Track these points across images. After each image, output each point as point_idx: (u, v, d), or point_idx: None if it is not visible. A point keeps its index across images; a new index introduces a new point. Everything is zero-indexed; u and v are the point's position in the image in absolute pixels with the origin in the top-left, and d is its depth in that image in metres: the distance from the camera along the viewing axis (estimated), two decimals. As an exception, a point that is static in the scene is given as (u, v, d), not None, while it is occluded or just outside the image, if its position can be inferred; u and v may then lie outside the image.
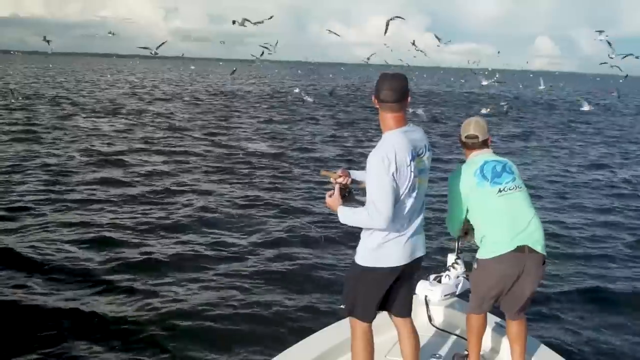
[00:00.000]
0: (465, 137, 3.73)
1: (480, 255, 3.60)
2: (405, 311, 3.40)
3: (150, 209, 10.05)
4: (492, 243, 3.52)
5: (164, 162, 14.71)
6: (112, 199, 10.64)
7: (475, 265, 3.66)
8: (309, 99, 32.05)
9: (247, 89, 50.54)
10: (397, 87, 3.11)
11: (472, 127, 3.72)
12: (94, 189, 11.32)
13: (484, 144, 3.73)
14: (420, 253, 3.28)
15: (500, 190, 3.53)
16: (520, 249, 3.47)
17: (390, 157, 2.99)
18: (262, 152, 16.53)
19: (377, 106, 3.18)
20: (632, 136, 25.20)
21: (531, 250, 3.50)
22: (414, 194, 3.14)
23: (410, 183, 3.08)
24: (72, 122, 21.88)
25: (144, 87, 49.66)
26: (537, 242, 3.51)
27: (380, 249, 3.14)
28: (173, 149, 16.86)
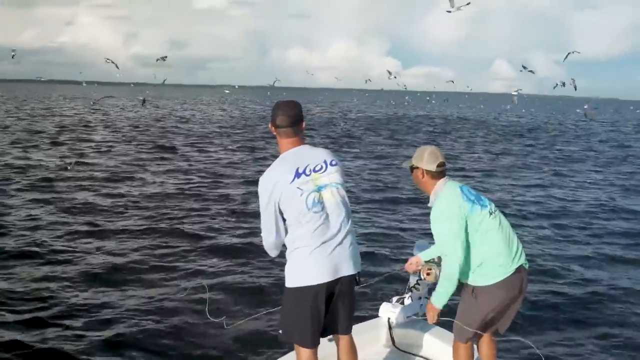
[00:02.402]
0: (437, 166, 3.57)
1: (478, 282, 3.50)
2: (343, 329, 3.34)
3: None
4: (493, 268, 3.45)
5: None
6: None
7: (470, 294, 3.53)
8: None
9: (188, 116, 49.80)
10: (291, 113, 3.22)
11: (440, 154, 3.61)
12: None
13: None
14: (347, 270, 3.20)
15: (491, 213, 3.50)
16: (518, 270, 3.48)
17: (267, 183, 3.16)
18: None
19: (275, 133, 3.28)
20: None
21: (524, 269, 3.54)
22: (317, 209, 3.12)
23: (301, 200, 3.09)
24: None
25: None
26: (525, 258, 3.55)
27: (299, 267, 3.16)
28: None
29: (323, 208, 3.14)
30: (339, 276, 3.16)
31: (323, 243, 3.13)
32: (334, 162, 3.25)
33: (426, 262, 3.91)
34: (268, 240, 3.26)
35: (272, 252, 3.30)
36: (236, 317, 4.45)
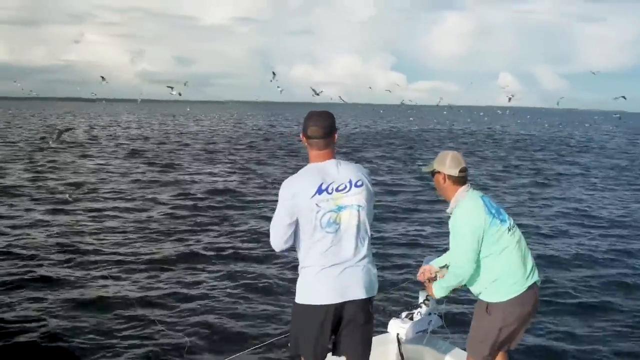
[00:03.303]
0: (460, 171, 3.51)
1: (491, 298, 3.45)
2: (356, 357, 3.21)
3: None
4: (508, 285, 3.41)
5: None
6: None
7: (484, 311, 3.49)
8: None
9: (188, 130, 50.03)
10: (324, 124, 3.16)
11: (462, 160, 3.55)
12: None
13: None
14: (357, 294, 3.11)
15: (509, 229, 3.45)
16: (531, 287, 3.45)
17: (287, 191, 3.11)
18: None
19: (306, 143, 3.22)
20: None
21: (537, 286, 3.51)
22: (330, 229, 3.07)
23: (316, 217, 3.05)
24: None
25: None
26: (538, 275, 3.52)
27: (308, 285, 3.13)
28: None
29: (338, 229, 3.08)
30: (346, 299, 3.08)
31: (334, 265, 3.07)
32: (359, 183, 3.14)
33: (441, 267, 3.89)
34: (274, 239, 3.19)
35: (276, 249, 3.22)
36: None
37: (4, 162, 22.55)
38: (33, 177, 18.49)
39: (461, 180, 3.53)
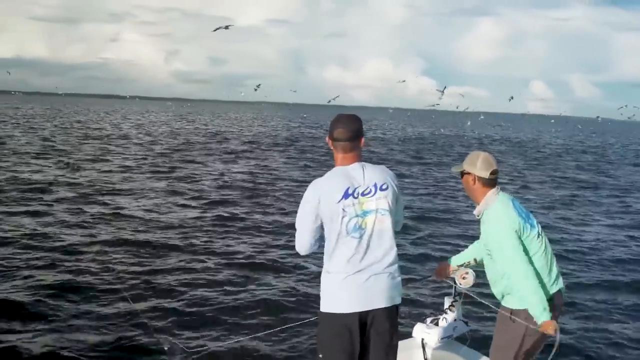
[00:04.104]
0: (490, 173, 3.44)
1: (516, 305, 3.38)
2: None
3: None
4: None
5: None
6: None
7: (507, 318, 3.42)
8: None
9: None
10: (351, 127, 3.13)
11: (493, 162, 3.48)
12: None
13: None
14: (381, 303, 3.06)
15: (538, 235, 3.39)
16: (556, 294, 3.40)
17: (313, 195, 3.07)
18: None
19: (331, 147, 3.19)
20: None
21: (561, 293, 3.46)
22: (355, 235, 3.03)
23: (342, 222, 3.01)
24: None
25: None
26: (562, 283, 3.47)
27: (332, 293, 3.09)
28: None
29: (363, 235, 3.04)
30: (371, 308, 3.04)
31: (358, 271, 3.03)
32: (384, 187, 3.09)
33: (459, 266, 3.85)
34: (300, 242, 3.18)
35: (301, 252, 3.21)
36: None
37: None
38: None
39: (491, 182, 3.46)
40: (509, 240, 3.29)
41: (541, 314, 3.19)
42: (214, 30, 21.89)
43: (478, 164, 3.46)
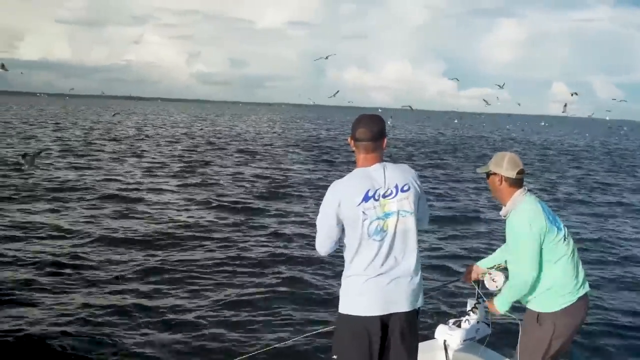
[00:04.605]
0: (517, 173, 3.43)
1: (543, 308, 3.38)
2: None
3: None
4: (561, 295, 3.35)
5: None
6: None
7: (534, 321, 3.42)
8: None
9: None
10: (373, 128, 3.08)
11: (519, 161, 3.47)
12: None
13: None
14: (402, 307, 3.03)
15: (565, 238, 3.38)
16: (582, 297, 3.39)
17: (333, 197, 3.03)
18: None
19: (353, 147, 3.15)
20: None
21: (587, 296, 3.44)
22: (377, 237, 2.98)
23: (363, 225, 2.97)
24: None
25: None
26: (588, 286, 3.45)
27: (352, 296, 3.05)
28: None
29: (385, 237, 2.99)
30: (391, 311, 3.01)
31: (379, 274, 2.99)
32: (406, 187, 3.03)
33: (489, 268, 3.83)
34: (320, 243, 3.15)
35: (321, 252, 3.18)
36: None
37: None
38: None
39: (518, 182, 3.45)
40: (531, 243, 3.28)
41: (503, 306, 3.57)
42: (315, 60, 22.43)
43: (504, 164, 3.45)
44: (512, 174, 3.42)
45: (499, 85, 26.88)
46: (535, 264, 3.29)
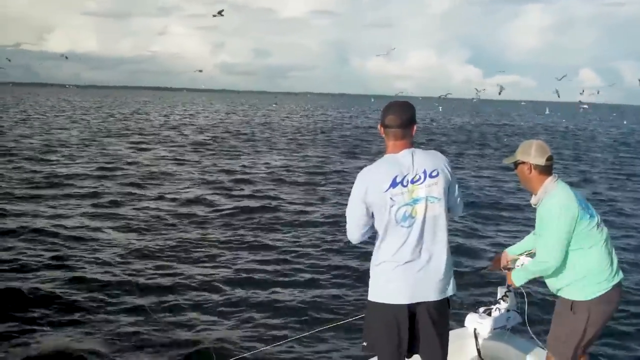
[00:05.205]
0: (546, 160, 3.39)
1: (577, 296, 3.35)
2: (431, 358, 3.12)
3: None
4: (595, 283, 3.31)
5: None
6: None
7: (568, 309, 3.38)
8: None
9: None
10: (402, 116, 3.05)
11: (547, 148, 3.42)
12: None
13: None
14: (430, 295, 3.01)
15: (598, 225, 3.34)
16: (616, 286, 3.36)
17: (361, 184, 3.02)
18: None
19: (383, 135, 3.13)
20: None
21: (620, 285, 3.41)
22: (405, 224, 2.96)
23: (391, 211, 2.95)
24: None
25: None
26: (621, 274, 3.43)
27: (380, 283, 3.05)
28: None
29: (413, 224, 2.96)
30: (419, 300, 2.99)
31: (408, 262, 2.97)
32: (434, 173, 2.99)
33: (519, 254, 3.81)
34: (351, 230, 3.13)
35: (352, 241, 3.17)
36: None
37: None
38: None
39: (548, 169, 3.40)
40: (562, 230, 3.24)
41: (519, 280, 3.60)
42: (377, 56, 22.96)
43: (532, 152, 3.40)
44: (542, 160, 3.38)
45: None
46: (562, 252, 3.27)
